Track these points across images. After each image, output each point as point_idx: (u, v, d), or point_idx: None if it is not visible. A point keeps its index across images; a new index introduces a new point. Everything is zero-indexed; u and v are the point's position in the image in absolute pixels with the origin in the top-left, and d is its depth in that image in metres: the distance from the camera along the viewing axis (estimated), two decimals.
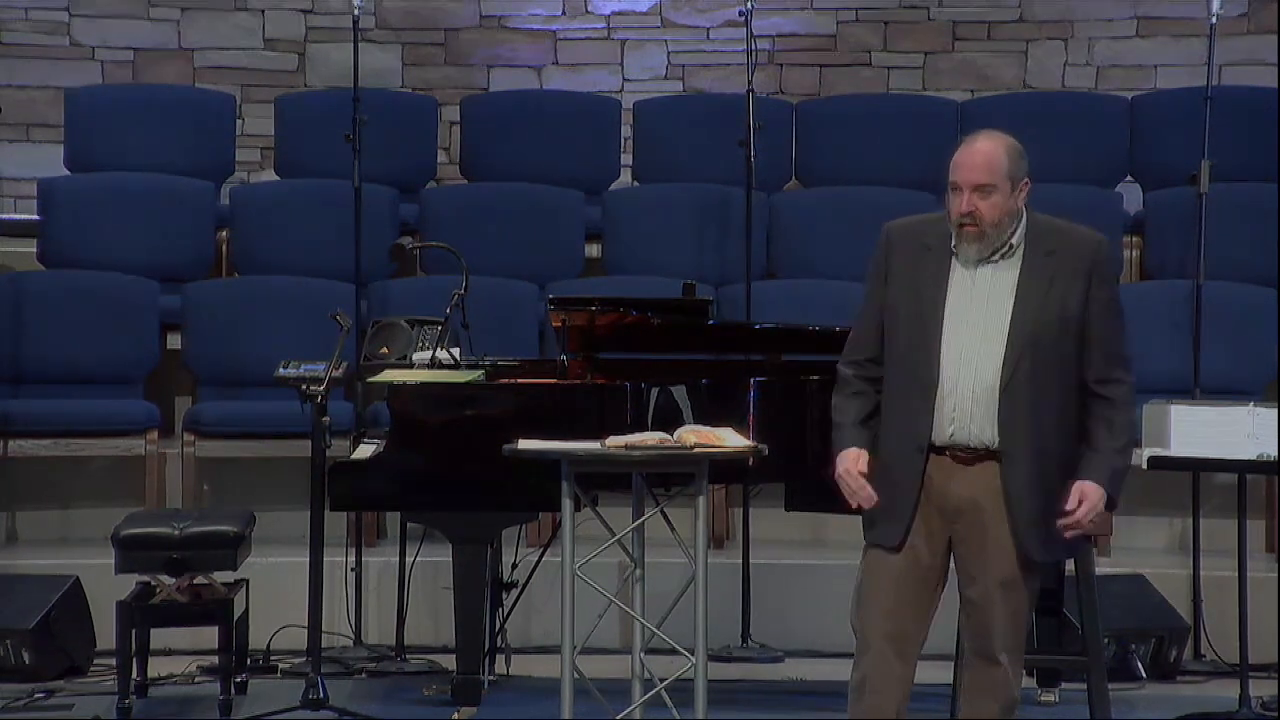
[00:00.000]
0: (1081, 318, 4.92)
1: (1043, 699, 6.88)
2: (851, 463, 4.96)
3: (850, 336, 5.12)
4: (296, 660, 7.21)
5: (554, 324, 6.84)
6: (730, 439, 5.68)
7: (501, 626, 7.12)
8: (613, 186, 9.66)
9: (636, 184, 9.71)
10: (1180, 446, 6.60)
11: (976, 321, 4.90)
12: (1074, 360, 4.93)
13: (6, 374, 8.36)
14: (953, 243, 4.95)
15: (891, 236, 5.06)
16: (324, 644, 6.68)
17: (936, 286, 4.92)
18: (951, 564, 5.01)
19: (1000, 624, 4.94)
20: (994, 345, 4.89)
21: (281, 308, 8.54)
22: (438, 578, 7.45)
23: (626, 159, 9.81)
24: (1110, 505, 4.97)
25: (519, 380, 6.81)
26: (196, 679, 7.14)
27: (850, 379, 5.06)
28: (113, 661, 6.74)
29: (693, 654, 5.59)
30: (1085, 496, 4.88)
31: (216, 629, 6.63)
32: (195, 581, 6.70)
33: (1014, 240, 4.96)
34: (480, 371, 6.78)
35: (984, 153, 4.91)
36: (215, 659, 6.77)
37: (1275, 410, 6.51)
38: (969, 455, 4.92)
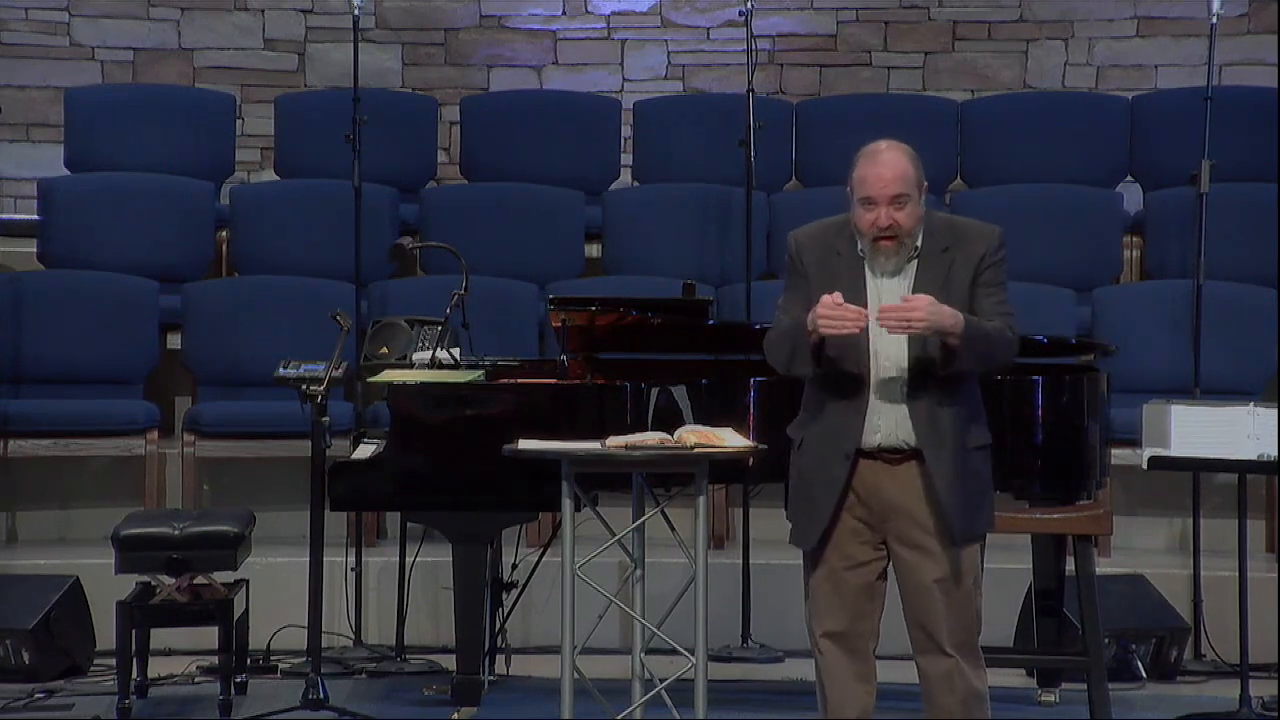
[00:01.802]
0: (972, 305, 4.96)
1: (1043, 699, 6.89)
2: (825, 300, 4.87)
3: (775, 322, 5.11)
4: (296, 660, 7.20)
5: (554, 324, 6.84)
6: (730, 439, 5.68)
7: (501, 626, 7.12)
8: (613, 186, 9.66)
9: (636, 184, 9.72)
10: (1180, 446, 6.60)
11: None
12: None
13: (6, 374, 8.36)
14: (860, 249, 5.00)
15: (800, 242, 5.10)
16: (324, 644, 6.68)
17: (855, 296, 4.95)
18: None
19: (945, 619, 5.00)
20: (901, 350, 4.96)
21: (281, 308, 8.54)
22: (438, 578, 7.46)
23: (626, 159, 9.81)
24: (950, 355, 4.89)
25: (519, 380, 6.81)
26: (196, 679, 7.14)
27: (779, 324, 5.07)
28: (113, 661, 6.74)
29: (693, 654, 5.59)
30: (919, 300, 4.86)
31: (216, 629, 6.62)
32: (195, 581, 6.70)
33: (918, 243, 5.02)
34: (480, 371, 6.78)
35: (893, 164, 4.95)
36: (215, 659, 6.76)
37: (1275, 410, 6.51)
38: (897, 456, 5.00)
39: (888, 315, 4.84)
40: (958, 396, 4.99)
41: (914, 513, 5.00)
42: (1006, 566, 7.11)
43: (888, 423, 4.97)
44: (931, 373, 4.94)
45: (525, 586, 7.16)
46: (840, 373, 4.98)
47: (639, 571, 5.90)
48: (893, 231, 4.93)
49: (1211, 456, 6.62)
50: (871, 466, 5.00)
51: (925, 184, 5.03)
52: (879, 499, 5.01)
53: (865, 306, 4.93)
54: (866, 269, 5.00)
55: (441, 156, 9.92)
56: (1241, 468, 6.62)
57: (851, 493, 5.01)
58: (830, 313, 4.85)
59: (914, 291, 4.94)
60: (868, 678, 5.08)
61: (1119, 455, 7.48)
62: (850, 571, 5.05)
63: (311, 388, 6.46)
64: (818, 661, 5.13)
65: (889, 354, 4.96)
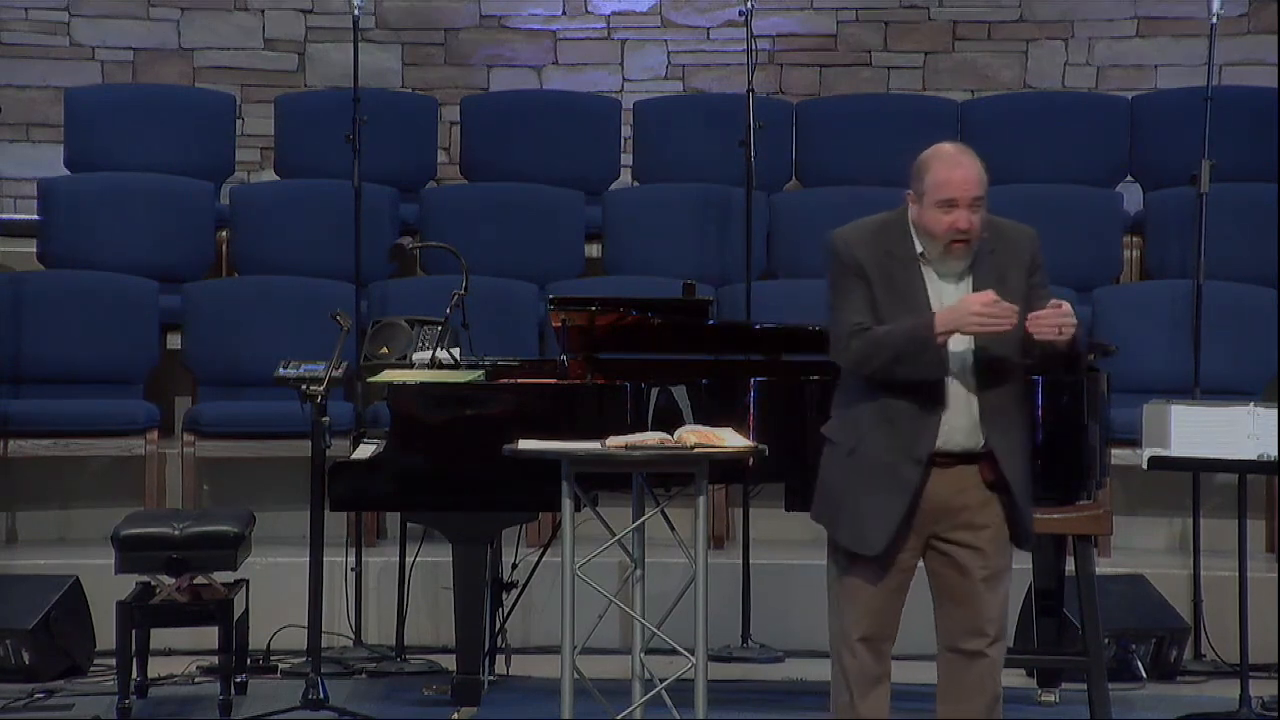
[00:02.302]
0: (1024, 308, 4.96)
1: (1043, 699, 6.89)
2: (977, 298, 4.86)
3: (839, 320, 5.00)
4: (296, 660, 7.20)
5: (554, 324, 6.84)
6: (730, 439, 5.68)
7: (501, 626, 7.12)
8: (613, 186, 9.66)
9: (636, 184, 9.71)
10: (1180, 446, 6.59)
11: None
12: (1019, 349, 4.97)
13: (6, 374, 8.36)
14: (918, 250, 4.97)
15: (851, 241, 5.04)
16: (324, 644, 6.69)
17: (919, 300, 4.94)
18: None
19: (989, 615, 4.99)
20: (969, 351, 4.94)
21: (281, 308, 8.54)
22: (438, 578, 7.45)
23: (626, 159, 9.81)
24: (1073, 351, 4.99)
25: (519, 380, 6.81)
26: (196, 679, 7.14)
27: (864, 327, 4.96)
28: (113, 661, 6.74)
29: (693, 654, 5.58)
30: (1065, 305, 4.91)
31: (216, 629, 6.63)
32: (195, 581, 6.70)
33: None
34: (480, 371, 6.78)
35: (973, 168, 4.96)
36: (215, 659, 6.77)
37: (1275, 410, 6.51)
38: (953, 459, 4.97)
39: (1044, 321, 4.84)
40: (1018, 399, 5.01)
41: (968, 513, 4.97)
42: None
43: (961, 426, 4.94)
44: (997, 376, 4.93)
45: (525, 586, 7.16)
46: (912, 385, 4.92)
47: (639, 571, 5.90)
48: (969, 235, 4.93)
49: (1211, 456, 6.62)
50: (938, 469, 4.96)
51: None
52: (931, 501, 4.97)
53: (928, 308, 4.91)
54: (923, 271, 4.97)
55: (441, 156, 9.92)
56: (1241, 468, 6.62)
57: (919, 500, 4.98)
58: (989, 310, 4.83)
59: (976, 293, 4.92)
60: (888, 677, 5.07)
61: (1119, 455, 7.47)
62: (891, 575, 5.00)
63: (311, 388, 6.46)
64: (844, 663, 5.04)
65: (959, 358, 4.93)
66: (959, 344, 4.92)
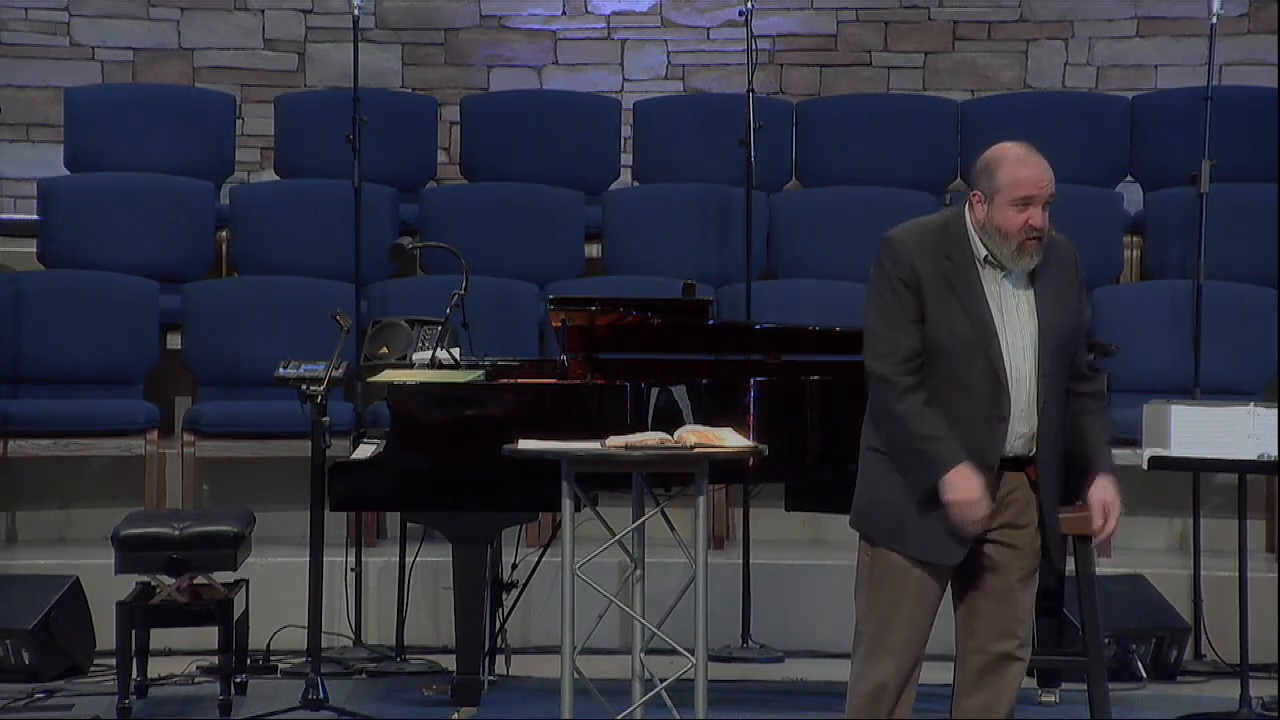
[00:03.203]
0: (1078, 322, 5.00)
1: (1043, 699, 6.88)
2: (974, 488, 4.84)
3: (884, 338, 4.91)
4: (296, 660, 7.20)
5: (554, 324, 6.84)
6: (730, 439, 5.68)
7: (501, 626, 7.12)
8: (613, 186, 9.66)
9: (636, 184, 9.71)
10: (1180, 446, 6.60)
11: (1015, 340, 4.91)
12: (1070, 363, 4.99)
13: (6, 374, 8.35)
14: (978, 254, 4.92)
15: (911, 247, 4.92)
16: (324, 644, 6.69)
17: (981, 306, 4.89)
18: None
19: (1022, 616, 5.00)
20: (1029, 361, 4.91)
21: (281, 308, 8.54)
22: (438, 578, 7.45)
23: (626, 159, 9.81)
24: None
25: (519, 380, 6.81)
26: (196, 679, 7.14)
27: (914, 386, 4.87)
28: (113, 661, 6.73)
29: (693, 654, 5.58)
30: (1109, 506, 5.02)
31: (216, 629, 6.62)
32: (195, 581, 6.70)
33: None
34: (480, 371, 6.78)
35: (1045, 164, 4.97)
36: (215, 659, 6.76)
37: (1275, 410, 6.51)
38: (1021, 464, 4.97)
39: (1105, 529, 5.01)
40: (1058, 406, 4.98)
41: (1012, 512, 4.96)
42: None
43: (1023, 434, 4.92)
44: (1052, 387, 4.92)
45: (525, 586, 7.16)
46: (972, 382, 4.89)
47: (639, 571, 5.90)
48: (1043, 232, 4.92)
49: (1211, 456, 6.62)
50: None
51: None
52: None
53: (989, 312, 4.87)
54: (982, 275, 4.92)
55: (441, 156, 9.92)
56: (1241, 468, 6.62)
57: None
58: (965, 516, 4.84)
59: (1038, 306, 4.90)
60: (918, 681, 5.05)
61: (1119, 455, 7.43)
62: (939, 582, 4.98)
63: (311, 388, 6.46)
64: (880, 665, 4.95)
65: (1020, 367, 4.90)
66: (1022, 355, 4.89)
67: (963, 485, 4.83)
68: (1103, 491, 5.03)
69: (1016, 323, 4.91)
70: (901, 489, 4.94)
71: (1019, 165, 4.93)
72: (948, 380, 4.89)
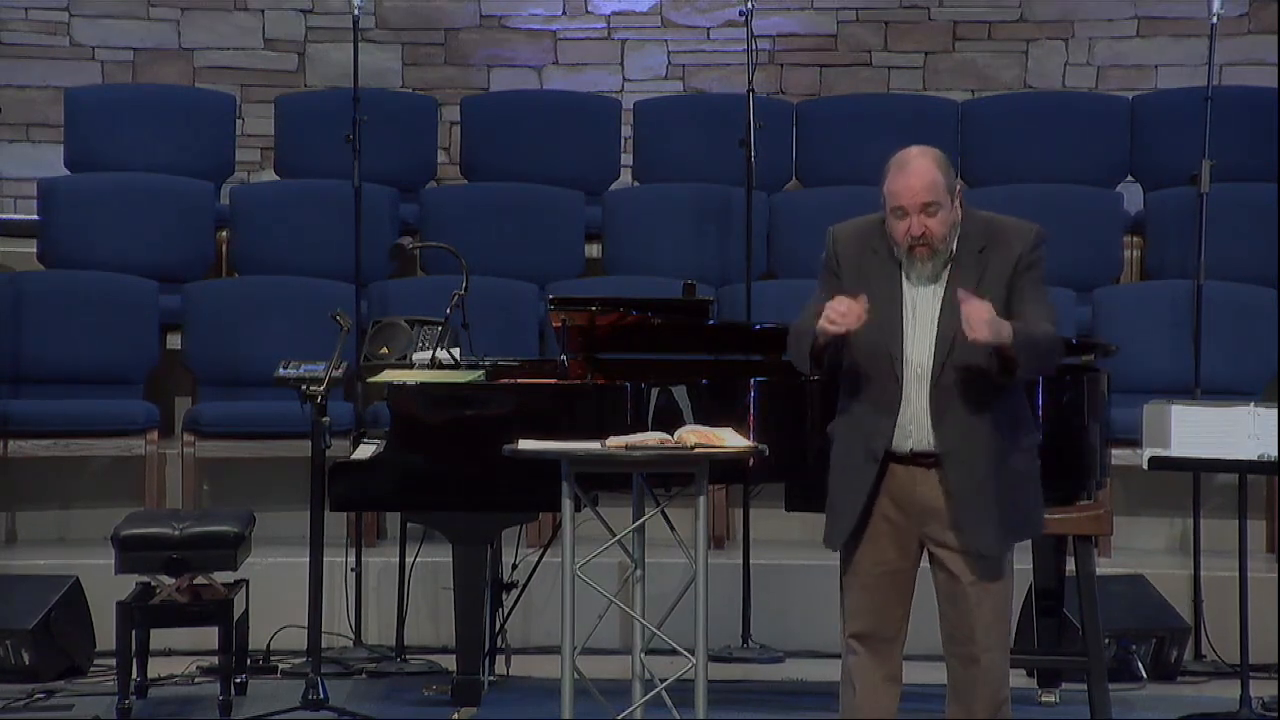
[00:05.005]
0: (1007, 308, 4.96)
1: (1043, 699, 6.88)
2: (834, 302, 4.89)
3: (802, 317, 5.11)
4: (296, 660, 7.21)
5: (554, 324, 6.83)
6: (730, 439, 5.67)
7: (501, 626, 7.12)
8: (613, 186, 9.66)
9: (636, 184, 9.71)
10: (1180, 446, 6.60)
11: (922, 336, 4.98)
12: (986, 354, 4.94)
13: (6, 374, 8.36)
14: (896, 253, 5.00)
15: (838, 238, 5.13)
16: (324, 644, 6.69)
17: (891, 300, 4.98)
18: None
19: (978, 623, 5.01)
20: (932, 359, 4.97)
21: (281, 308, 8.54)
22: (438, 578, 7.45)
23: (626, 159, 9.81)
24: (1009, 363, 4.90)
25: (519, 380, 6.81)
26: (196, 679, 7.14)
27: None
28: (113, 662, 6.73)
29: (693, 654, 5.58)
30: (973, 301, 4.84)
31: (216, 629, 6.63)
32: (195, 582, 6.70)
33: (953, 248, 5.02)
34: (480, 371, 6.78)
35: (922, 173, 4.95)
36: (215, 659, 6.77)
37: (1275, 410, 6.51)
38: (930, 460, 5.00)
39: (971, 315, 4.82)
40: (995, 402, 4.98)
41: (945, 516, 5.00)
42: None
43: (919, 428, 4.98)
44: (965, 378, 4.93)
45: (525, 586, 7.16)
46: (872, 374, 4.99)
47: (639, 571, 5.90)
48: (926, 240, 4.94)
49: (1211, 456, 6.62)
50: (906, 470, 5.01)
51: (960, 186, 5.01)
52: (913, 502, 5.02)
53: (900, 310, 4.96)
54: (902, 274, 4.99)
55: (441, 156, 9.92)
56: (1241, 468, 6.62)
57: (884, 495, 5.02)
58: (834, 309, 4.86)
59: (944, 297, 4.94)
60: (894, 678, 5.11)
61: (1119, 455, 7.48)
62: (881, 573, 5.06)
63: (311, 388, 6.46)
64: (845, 660, 5.13)
65: (920, 359, 4.97)
66: (924, 347, 4.95)
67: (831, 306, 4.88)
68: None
69: (927, 320, 4.97)
70: (830, 471, 5.12)
71: (894, 176, 4.98)
72: (852, 369, 5.05)
